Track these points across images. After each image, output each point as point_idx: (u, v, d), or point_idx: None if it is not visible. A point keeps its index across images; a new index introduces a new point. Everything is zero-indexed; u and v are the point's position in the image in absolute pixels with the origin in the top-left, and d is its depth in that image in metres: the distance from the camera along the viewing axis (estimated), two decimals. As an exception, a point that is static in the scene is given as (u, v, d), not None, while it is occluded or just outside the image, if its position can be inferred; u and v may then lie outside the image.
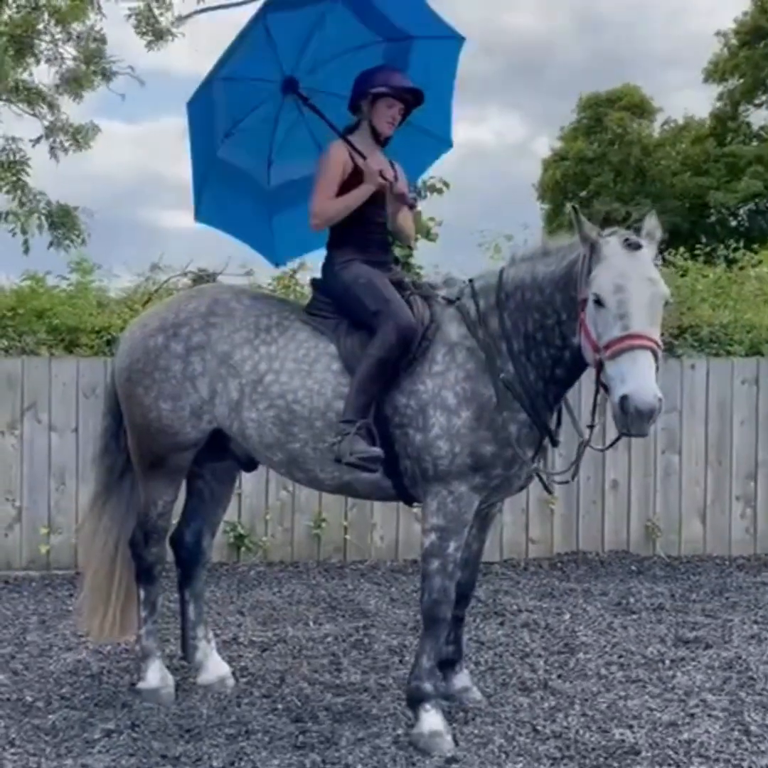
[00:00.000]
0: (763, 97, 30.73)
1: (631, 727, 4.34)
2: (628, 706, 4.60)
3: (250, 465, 4.83)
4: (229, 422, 4.48)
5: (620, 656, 5.37)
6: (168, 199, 51.87)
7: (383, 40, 4.63)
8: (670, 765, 3.96)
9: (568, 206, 4.26)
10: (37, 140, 11.14)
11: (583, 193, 31.34)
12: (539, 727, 4.32)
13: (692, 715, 4.49)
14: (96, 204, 10.79)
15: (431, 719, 4.15)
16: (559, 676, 5.04)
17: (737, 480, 8.00)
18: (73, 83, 11.16)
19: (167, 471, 4.63)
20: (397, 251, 5.33)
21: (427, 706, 4.18)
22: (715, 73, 31.15)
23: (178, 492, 4.79)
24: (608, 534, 7.89)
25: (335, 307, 4.48)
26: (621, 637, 5.74)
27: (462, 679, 4.68)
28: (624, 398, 3.68)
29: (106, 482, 4.91)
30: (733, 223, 30.12)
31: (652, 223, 4.01)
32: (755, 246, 12.21)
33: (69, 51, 11.34)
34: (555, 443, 4.36)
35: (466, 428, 4.13)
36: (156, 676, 4.67)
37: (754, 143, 30.29)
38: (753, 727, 4.35)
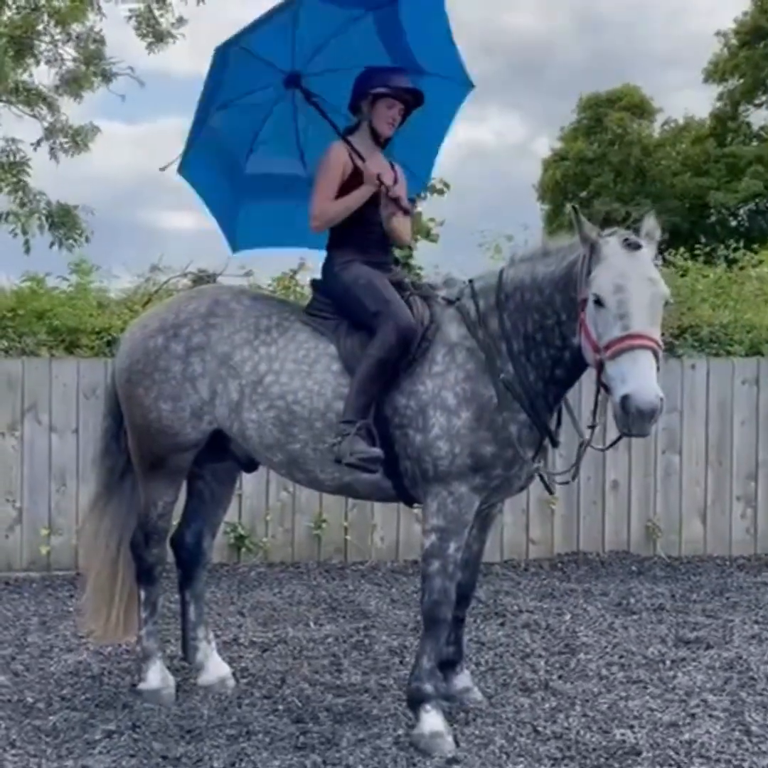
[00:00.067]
0: (763, 97, 30.75)
1: (631, 727, 4.34)
2: (628, 707, 4.59)
3: (251, 466, 4.83)
4: (229, 423, 4.48)
5: (621, 657, 5.37)
6: (168, 200, 51.92)
7: (366, 10, 4.56)
8: (671, 765, 3.96)
9: (568, 206, 4.26)
10: (38, 143, 11.16)
11: (584, 194, 31.36)
12: (540, 728, 4.32)
13: (693, 716, 4.49)
14: (96, 205, 10.76)
15: (432, 720, 4.15)
16: (560, 677, 5.03)
17: (738, 480, 7.99)
18: (73, 84, 11.17)
19: (167, 472, 4.63)
20: (397, 252, 5.33)
21: (428, 706, 4.18)
22: (715, 73, 31.16)
23: (179, 493, 4.79)
24: (609, 534, 7.89)
25: (335, 307, 4.48)
26: (622, 638, 5.74)
27: (463, 679, 4.68)
28: (625, 398, 3.68)
29: (106, 483, 4.90)
30: (733, 223, 30.14)
31: (651, 223, 4.01)
32: (755, 246, 12.20)
33: (69, 52, 11.36)
34: (555, 444, 4.36)
35: (466, 429, 4.13)
36: (157, 677, 4.67)
37: (754, 143, 30.30)
38: (754, 728, 4.35)
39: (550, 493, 5.10)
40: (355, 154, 4.50)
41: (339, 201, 4.49)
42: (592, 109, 32.19)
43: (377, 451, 4.14)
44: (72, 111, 16.15)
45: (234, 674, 4.93)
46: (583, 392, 5.28)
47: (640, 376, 3.68)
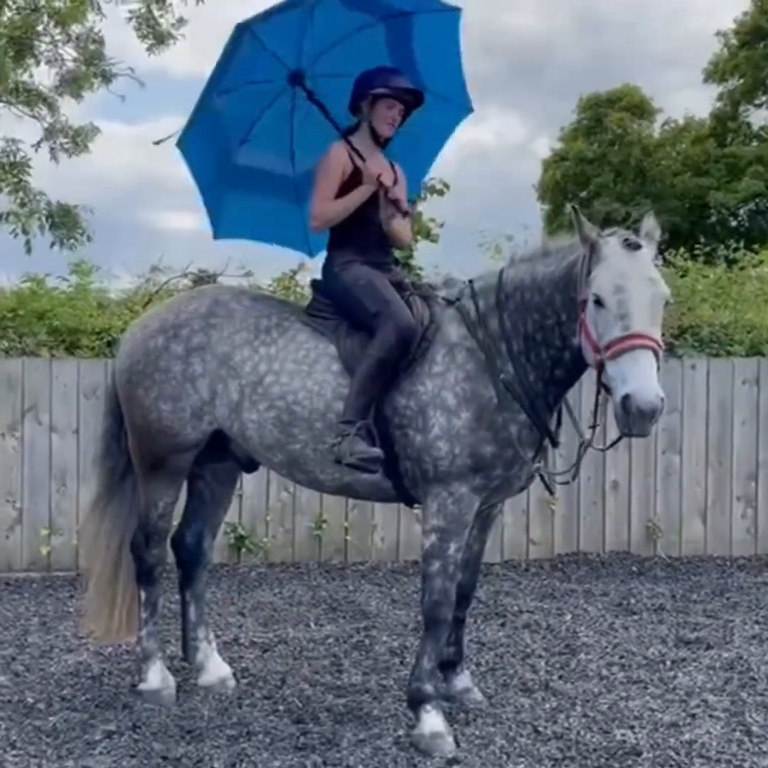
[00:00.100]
0: (763, 98, 30.74)
1: (632, 727, 4.34)
2: (629, 707, 4.59)
3: (251, 466, 4.83)
4: (229, 423, 4.48)
5: (621, 657, 5.37)
6: (168, 200, 51.93)
7: (379, 18, 4.60)
8: (671, 766, 3.96)
9: (569, 207, 4.26)
10: (38, 144, 11.16)
11: (584, 194, 31.36)
12: (540, 728, 4.32)
13: (693, 716, 4.49)
14: (96, 205, 10.77)
15: (432, 720, 4.15)
16: (561, 677, 5.03)
17: (738, 480, 7.99)
18: (73, 84, 11.17)
19: (168, 472, 4.63)
20: (397, 252, 5.33)
21: (428, 707, 4.18)
22: (715, 73, 31.16)
23: (179, 493, 4.79)
24: (609, 534, 7.89)
25: (335, 308, 4.48)
26: (622, 638, 5.74)
27: (463, 680, 4.68)
28: (626, 398, 3.67)
29: (107, 484, 4.90)
30: (734, 224, 30.13)
31: (650, 223, 4.01)
32: (756, 246, 12.20)
33: (69, 52, 11.37)
34: (555, 444, 4.36)
35: (466, 429, 4.13)
36: (157, 677, 4.67)
37: (754, 143, 30.30)
38: (754, 728, 4.35)
39: (551, 493, 5.10)
40: (355, 154, 4.50)
41: (338, 201, 4.49)
42: (592, 110, 32.20)
43: (377, 452, 4.14)
44: (72, 111, 16.19)
45: (234, 675, 4.93)
46: (583, 392, 5.28)
47: (641, 376, 3.68)
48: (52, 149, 11.21)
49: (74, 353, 7.78)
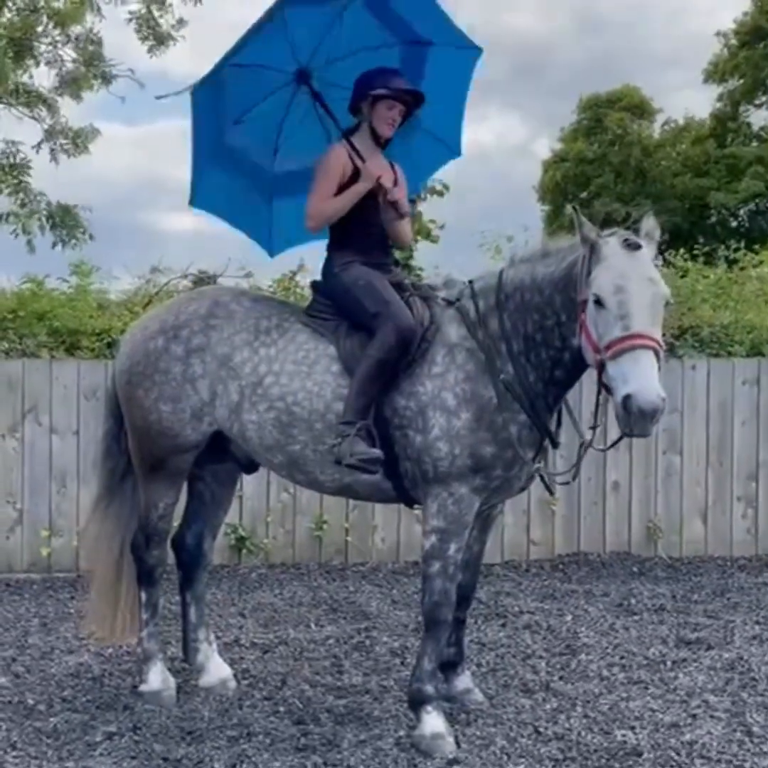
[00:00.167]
0: (763, 98, 30.74)
1: (633, 728, 4.34)
2: (630, 708, 4.59)
3: (251, 467, 4.83)
4: (229, 424, 4.48)
5: (622, 657, 5.37)
6: (168, 201, 51.94)
7: (399, 42, 4.63)
8: (672, 766, 3.96)
9: (569, 207, 4.27)
10: (38, 146, 11.17)
11: (584, 195, 31.36)
12: (541, 729, 4.31)
13: (694, 717, 4.48)
14: (96, 206, 10.78)
15: (433, 721, 4.15)
16: (561, 678, 5.03)
17: (738, 480, 7.99)
18: (73, 85, 11.18)
19: (168, 473, 4.63)
20: (398, 253, 5.33)
21: (429, 708, 4.18)
22: (715, 73, 31.16)
23: (179, 494, 4.79)
24: (609, 535, 7.89)
25: (335, 308, 4.47)
26: (623, 639, 5.73)
27: (463, 680, 4.68)
28: (627, 398, 3.67)
29: (108, 485, 4.90)
30: (734, 224, 30.13)
31: (650, 224, 4.01)
32: (756, 246, 12.20)
33: (68, 53, 11.38)
34: (555, 444, 4.36)
35: (465, 430, 4.12)
36: (157, 678, 4.67)
37: (755, 144, 30.29)
38: (755, 729, 4.35)
39: (551, 493, 5.09)
40: (355, 154, 4.50)
41: (335, 198, 4.48)
42: (592, 110, 32.20)
43: (377, 452, 4.14)
44: (72, 113, 16.16)
45: (235, 676, 4.93)
46: (583, 393, 5.28)
47: (642, 376, 3.68)
48: (52, 150, 11.22)
49: (74, 354, 7.78)
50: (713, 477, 7.98)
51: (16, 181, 10.52)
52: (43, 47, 11.31)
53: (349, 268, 4.47)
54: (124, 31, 11.34)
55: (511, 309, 4.22)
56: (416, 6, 4.54)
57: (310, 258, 7.86)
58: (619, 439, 4.07)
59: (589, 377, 4.14)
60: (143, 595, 4.73)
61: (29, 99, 11.13)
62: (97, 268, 9.17)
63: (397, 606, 6.46)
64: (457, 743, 4.13)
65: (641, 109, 32.26)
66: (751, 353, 8.35)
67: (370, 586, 7.00)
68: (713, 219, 30.24)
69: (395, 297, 4.34)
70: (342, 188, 4.50)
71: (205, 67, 4.30)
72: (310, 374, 4.35)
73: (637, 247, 3.88)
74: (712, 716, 4.49)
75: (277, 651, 5.48)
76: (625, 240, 3.89)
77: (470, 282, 4.42)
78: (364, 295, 4.35)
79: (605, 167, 31.33)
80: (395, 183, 4.63)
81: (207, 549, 4.99)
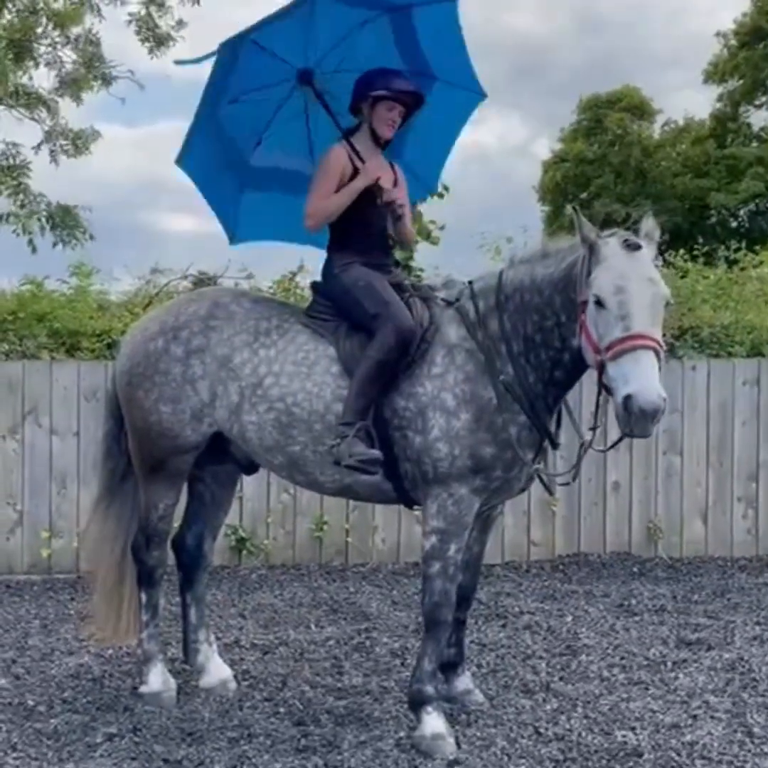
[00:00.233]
0: (763, 98, 30.76)
1: (633, 729, 4.33)
2: (630, 708, 4.59)
3: (251, 468, 4.83)
4: (229, 425, 4.48)
5: (622, 658, 5.37)
6: (168, 202, 51.93)
7: (380, 13, 4.58)
8: (672, 767, 3.96)
9: (569, 208, 4.27)
10: (38, 147, 11.17)
11: (584, 195, 31.37)
12: (542, 730, 4.31)
13: (695, 717, 4.48)
14: (96, 207, 10.79)
15: (433, 722, 4.14)
16: (562, 679, 5.03)
17: (739, 481, 7.99)
18: (73, 85, 11.19)
19: (168, 474, 4.63)
20: (398, 254, 5.33)
21: (429, 708, 4.18)
22: (715, 74, 31.18)
23: (179, 495, 4.79)
24: (610, 535, 7.88)
25: (335, 309, 4.47)
26: (623, 639, 5.73)
27: (464, 681, 4.68)
28: (627, 398, 3.67)
29: (108, 486, 4.91)
30: (734, 225, 30.14)
31: (650, 224, 4.01)
32: (756, 247, 12.20)
33: (68, 54, 11.38)
34: (555, 445, 4.36)
35: (465, 430, 4.12)
36: (158, 679, 4.67)
37: (755, 144, 30.30)
38: (756, 729, 4.35)
39: (550, 494, 5.09)
40: (355, 154, 4.50)
41: (334, 196, 4.48)
42: (592, 110, 32.21)
43: (376, 453, 4.14)
44: (72, 114, 16.19)
45: (235, 677, 4.93)
46: (583, 394, 5.28)
47: (643, 376, 3.67)
48: (51, 151, 11.23)
49: (74, 355, 7.78)
50: (713, 477, 7.98)
51: (15, 182, 10.52)
52: (42, 48, 11.32)
53: (349, 269, 4.47)
54: (124, 33, 11.38)
55: (510, 310, 4.22)
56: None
57: (310, 259, 7.86)
58: (620, 439, 4.07)
59: (589, 378, 4.14)
60: (143, 597, 4.73)
61: (29, 100, 11.14)
62: (97, 269, 9.18)
63: (398, 607, 6.46)
64: (458, 744, 4.13)
65: (641, 110, 32.27)
66: (752, 354, 8.34)
67: (370, 587, 6.99)
68: (713, 219, 30.25)
69: (395, 298, 4.34)
70: (342, 189, 4.50)
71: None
72: (309, 375, 4.35)
73: (637, 247, 3.88)
74: (712, 717, 4.49)
75: (278, 652, 5.48)
76: (625, 240, 3.89)
77: (470, 283, 4.42)
78: (363, 296, 4.35)
79: (605, 168, 31.34)
80: (395, 184, 4.64)
81: (207, 550, 4.99)
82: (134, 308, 8.62)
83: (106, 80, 11.34)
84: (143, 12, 11.26)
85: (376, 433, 4.20)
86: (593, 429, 4.12)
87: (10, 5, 11.10)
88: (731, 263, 10.95)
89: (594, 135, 32.19)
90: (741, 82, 30.57)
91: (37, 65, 11.34)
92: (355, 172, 4.49)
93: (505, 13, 52.77)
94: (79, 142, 11.20)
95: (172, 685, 4.70)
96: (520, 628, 5.94)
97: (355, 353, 4.28)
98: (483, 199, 43.66)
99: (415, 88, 4.57)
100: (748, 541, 7.99)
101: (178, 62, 4.46)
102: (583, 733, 4.27)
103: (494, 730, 4.31)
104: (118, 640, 4.97)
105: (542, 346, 4.15)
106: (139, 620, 4.75)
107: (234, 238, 4.95)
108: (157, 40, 11.35)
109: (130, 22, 11.26)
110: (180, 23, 11.43)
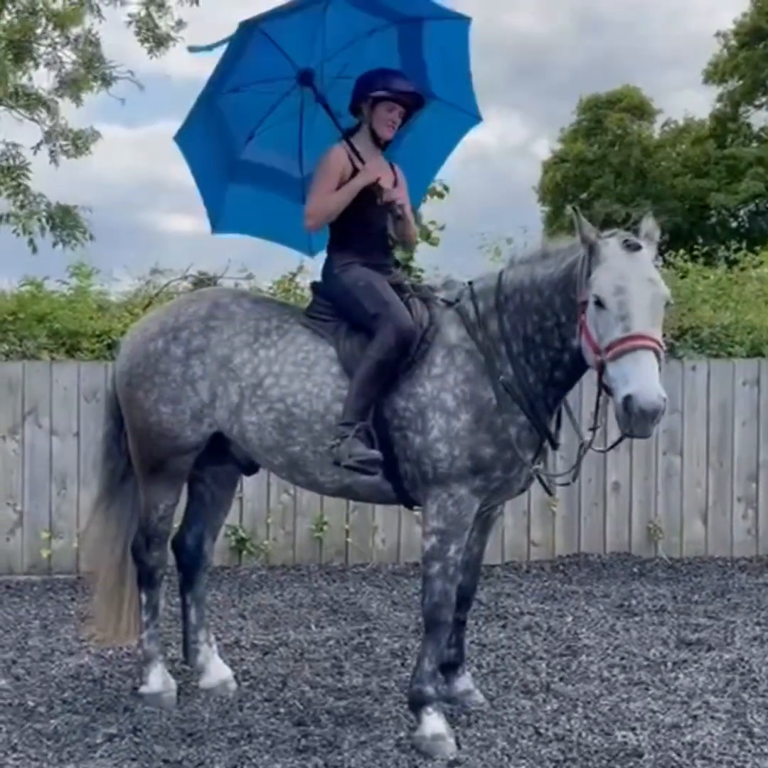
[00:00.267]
0: (763, 99, 30.76)
1: (633, 729, 4.33)
2: (630, 709, 4.59)
3: (251, 468, 4.83)
4: (229, 426, 4.48)
5: (622, 658, 5.37)
6: (168, 202, 51.96)
7: (391, 23, 4.61)
8: (672, 767, 3.96)
9: (569, 208, 4.27)
10: (37, 147, 11.17)
11: (584, 195, 31.37)
12: (542, 730, 4.31)
13: (695, 718, 4.48)
14: (96, 208, 10.79)
15: (433, 722, 4.14)
16: (562, 679, 5.03)
17: (739, 481, 7.99)
18: (72, 86, 11.19)
19: (168, 475, 4.63)
20: (398, 254, 5.33)
21: (429, 709, 4.18)
22: (715, 74, 31.18)
23: (179, 496, 4.79)
24: (610, 536, 7.88)
25: (335, 310, 4.47)
26: (623, 640, 5.73)
27: (464, 682, 4.68)
28: (628, 398, 3.67)
29: (108, 486, 4.91)
30: (734, 225, 30.14)
31: (649, 224, 4.01)
32: (756, 247, 12.20)
33: (68, 55, 11.38)
34: (555, 446, 4.36)
35: (465, 431, 4.12)
36: (158, 680, 4.67)
37: (755, 145, 30.31)
38: (756, 730, 4.35)
39: (550, 494, 5.09)
40: (354, 155, 4.50)
41: (333, 195, 4.48)
42: (592, 111, 32.22)
43: (376, 453, 4.14)
44: (71, 114, 16.20)
45: (235, 677, 4.93)
46: (583, 394, 5.28)
47: (643, 377, 3.67)
48: (51, 152, 11.22)
49: (74, 356, 7.78)
50: (713, 478, 7.98)
51: (14, 183, 10.52)
52: (42, 49, 11.32)
53: (349, 270, 4.47)
54: (123, 33, 11.39)
55: (510, 310, 4.22)
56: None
57: (310, 259, 7.85)
58: (620, 440, 4.06)
59: (589, 378, 4.14)
60: (144, 597, 4.73)
61: (29, 101, 11.13)
62: (97, 269, 9.18)
63: (398, 607, 6.45)
64: (458, 744, 4.13)
65: (641, 110, 32.27)
66: (752, 354, 8.34)
67: (370, 588, 6.99)
68: (713, 219, 30.25)
69: (395, 298, 4.34)
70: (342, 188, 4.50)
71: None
72: (309, 375, 4.35)
73: (637, 247, 3.88)
74: (712, 717, 4.49)
75: (278, 652, 5.48)
76: (625, 241, 3.89)
77: (470, 283, 4.42)
78: (363, 296, 4.35)
79: (605, 168, 31.35)
80: (395, 184, 4.64)
81: (207, 550, 4.99)
82: (134, 309, 8.62)
83: (106, 81, 11.34)
84: (143, 12, 11.27)
85: (376, 433, 4.20)
86: (593, 429, 4.12)
87: (9, 6, 11.10)
88: (731, 263, 10.95)
89: (594, 135, 32.19)
90: (741, 82, 30.58)
91: (36, 66, 11.34)
92: (355, 172, 4.49)
93: (505, 13, 52.83)
94: (79, 143, 11.19)
95: (173, 685, 4.70)
96: (520, 629, 5.94)
97: (355, 353, 4.28)
98: (483, 199, 43.70)
99: (415, 88, 4.57)
100: (748, 541, 7.99)
101: (192, 49, 4.41)
102: (584, 734, 4.27)
103: (494, 731, 4.31)
104: (119, 640, 4.98)
105: (542, 346, 4.15)
106: (139, 621, 4.75)
107: (216, 226, 4.93)
108: (156, 40, 11.36)
109: (129, 22, 11.27)
110: (180, 24, 11.44)
